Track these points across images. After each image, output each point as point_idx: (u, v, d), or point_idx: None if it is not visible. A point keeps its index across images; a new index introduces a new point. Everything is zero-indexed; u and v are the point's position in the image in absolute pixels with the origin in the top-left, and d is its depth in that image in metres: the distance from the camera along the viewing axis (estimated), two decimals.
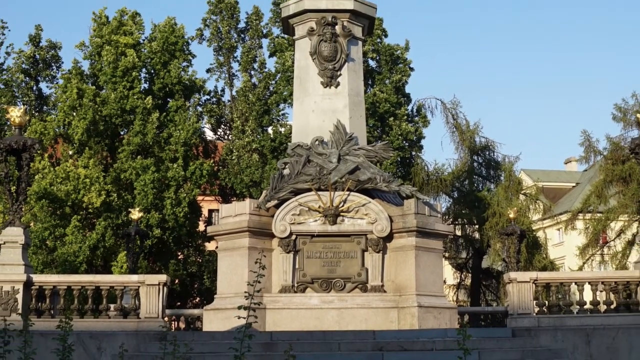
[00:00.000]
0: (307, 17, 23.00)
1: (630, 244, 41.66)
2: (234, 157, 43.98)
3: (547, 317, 19.53)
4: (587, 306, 19.96)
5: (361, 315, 20.29)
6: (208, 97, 47.69)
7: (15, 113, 19.61)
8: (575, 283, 20.58)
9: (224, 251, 21.68)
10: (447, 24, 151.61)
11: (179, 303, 40.39)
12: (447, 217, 42.34)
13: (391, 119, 42.96)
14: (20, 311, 18.19)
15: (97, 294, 19.76)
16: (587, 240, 44.52)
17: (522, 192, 45.05)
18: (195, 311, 28.38)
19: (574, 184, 75.59)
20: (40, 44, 45.44)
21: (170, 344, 12.58)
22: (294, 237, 20.80)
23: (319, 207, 20.75)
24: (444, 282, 26.65)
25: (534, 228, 45.73)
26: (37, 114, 43.37)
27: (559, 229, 65.55)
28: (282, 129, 43.20)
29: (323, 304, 20.46)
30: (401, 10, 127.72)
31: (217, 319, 20.70)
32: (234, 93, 47.79)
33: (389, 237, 20.90)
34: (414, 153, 45.06)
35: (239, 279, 20.35)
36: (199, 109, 45.90)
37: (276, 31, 45.80)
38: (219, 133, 49.62)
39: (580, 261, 44.82)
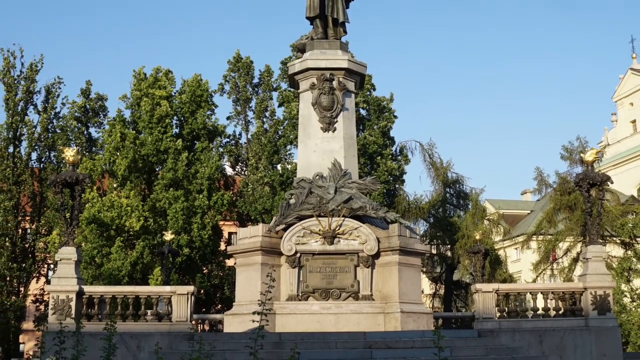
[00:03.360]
0: (310, 74, 23.06)
1: (575, 260, 41.47)
2: (249, 189, 44.10)
3: (506, 320, 19.48)
4: (540, 312, 19.91)
5: (354, 319, 20.20)
6: (228, 139, 47.91)
7: (70, 153, 19.63)
8: (530, 293, 20.62)
9: (241, 266, 21.59)
10: (425, 79, 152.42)
11: (204, 309, 40.28)
12: (424, 238, 42.15)
13: (378, 158, 43.05)
14: (73, 316, 18.24)
15: (137, 301, 19.72)
16: (540, 257, 44.41)
17: (486, 218, 44.98)
18: (217, 316, 28.29)
19: (529, 211, 75.48)
20: (90, 96, 45.72)
21: (197, 343, 12.57)
22: (298, 255, 20.73)
23: (319, 230, 20.72)
24: (422, 292, 26.61)
25: (496, 247, 45.64)
26: (87, 153, 43.50)
27: (516, 248, 65.68)
28: (289, 166, 43.31)
29: (322, 310, 20.38)
30: (387, 67, 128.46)
31: (236, 322, 20.65)
32: (249, 136, 47.95)
33: (377, 255, 20.82)
34: (397, 186, 45.05)
35: (254, 290, 20.31)
36: (221, 149, 45.98)
37: (284, 85, 46.03)
38: (237, 169, 49.73)
39: (534, 275, 44.66)
